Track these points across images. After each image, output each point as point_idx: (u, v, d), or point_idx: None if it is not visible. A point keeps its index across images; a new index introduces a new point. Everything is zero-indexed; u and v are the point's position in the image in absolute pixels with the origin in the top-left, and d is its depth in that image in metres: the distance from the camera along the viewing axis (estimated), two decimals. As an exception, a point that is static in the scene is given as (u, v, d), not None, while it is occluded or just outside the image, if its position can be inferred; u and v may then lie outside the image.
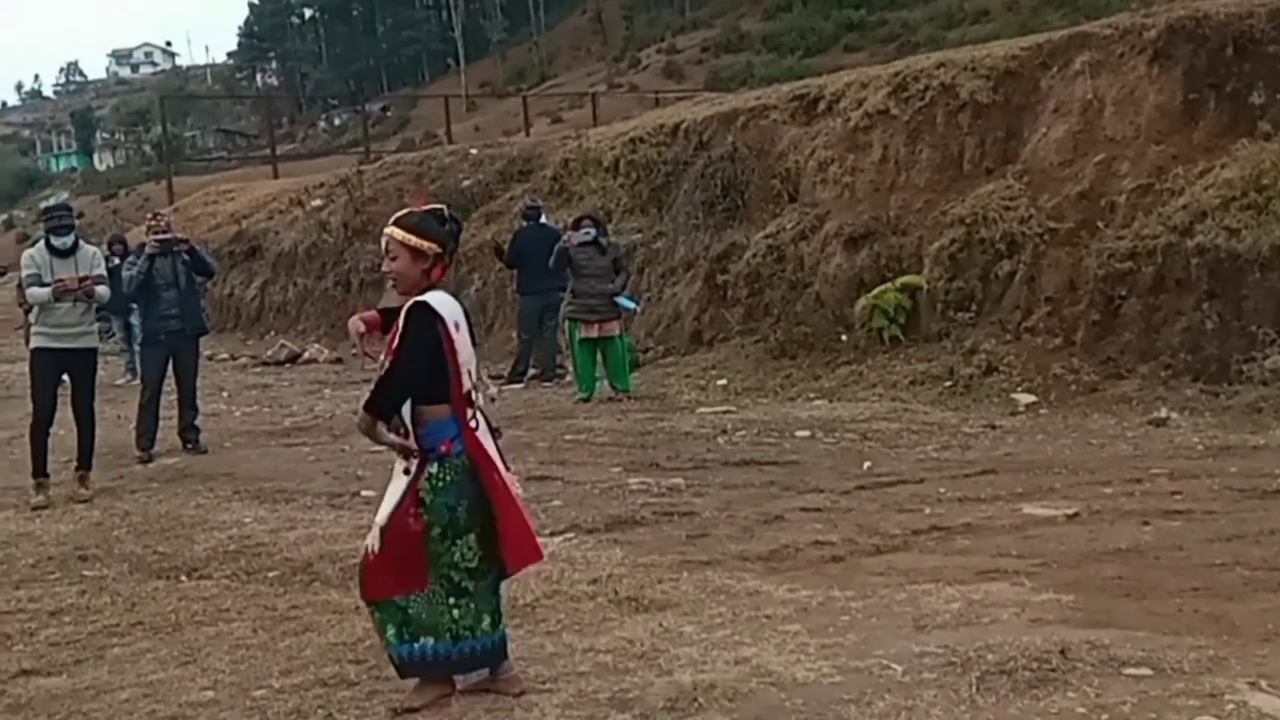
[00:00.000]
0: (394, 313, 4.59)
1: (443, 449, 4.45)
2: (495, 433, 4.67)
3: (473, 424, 4.50)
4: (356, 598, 6.11)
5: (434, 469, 4.45)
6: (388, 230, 4.52)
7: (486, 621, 4.59)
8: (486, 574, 4.58)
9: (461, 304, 4.60)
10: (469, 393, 4.50)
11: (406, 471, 4.50)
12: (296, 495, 8.86)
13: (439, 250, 4.52)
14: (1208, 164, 11.35)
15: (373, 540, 4.54)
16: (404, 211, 4.63)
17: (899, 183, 13.85)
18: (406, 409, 4.47)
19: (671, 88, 48.19)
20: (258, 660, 5.34)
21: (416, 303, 4.43)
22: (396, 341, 4.44)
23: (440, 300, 4.47)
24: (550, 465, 9.23)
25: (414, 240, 4.47)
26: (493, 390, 4.66)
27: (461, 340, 4.48)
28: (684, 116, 17.85)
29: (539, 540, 4.75)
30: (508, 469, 4.64)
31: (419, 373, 4.42)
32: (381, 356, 4.55)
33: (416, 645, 4.53)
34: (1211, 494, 7.45)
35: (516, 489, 4.64)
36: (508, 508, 4.52)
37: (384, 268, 4.58)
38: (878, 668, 4.71)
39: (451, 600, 4.52)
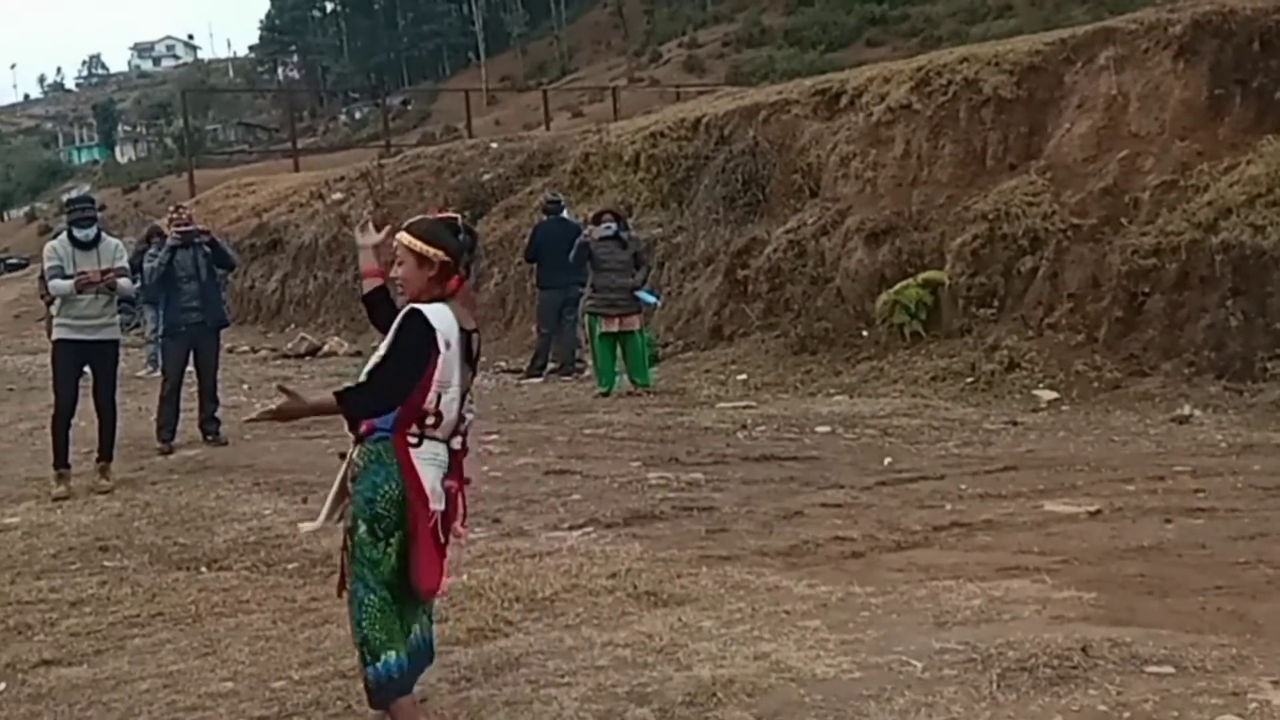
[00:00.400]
0: (383, 296, 4.59)
1: (362, 428, 4.24)
2: (460, 477, 4.44)
3: (412, 439, 4.21)
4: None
5: (355, 453, 4.27)
6: (399, 235, 4.43)
7: (423, 622, 4.48)
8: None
9: (466, 326, 4.34)
10: (426, 413, 4.21)
11: (341, 455, 4.40)
12: (316, 487, 8.84)
13: (446, 260, 4.32)
14: (1233, 160, 11.28)
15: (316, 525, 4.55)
16: (416, 219, 4.52)
17: (921, 178, 13.80)
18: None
19: (693, 82, 48.17)
20: (277, 652, 5.35)
21: (412, 309, 4.24)
22: (386, 347, 4.26)
23: (438, 314, 4.23)
24: (569, 459, 9.22)
25: (419, 246, 4.32)
26: (456, 441, 4.38)
27: (446, 363, 4.22)
28: (705, 111, 17.82)
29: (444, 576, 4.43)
30: (458, 519, 4.45)
31: (406, 385, 4.18)
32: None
33: (379, 663, 4.22)
34: (1235, 492, 7.40)
35: (439, 535, 4.31)
36: (420, 536, 4.22)
37: (391, 273, 4.46)
38: (898, 664, 4.69)
39: (398, 606, 4.29)
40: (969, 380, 11.60)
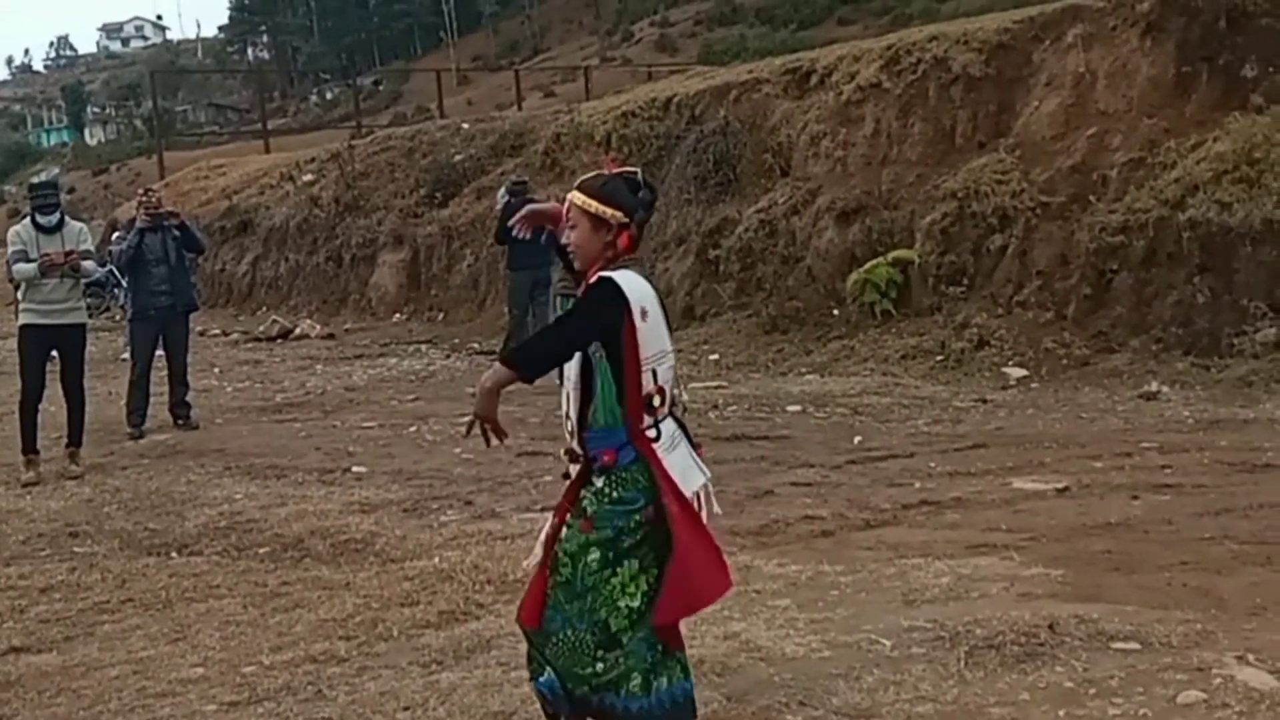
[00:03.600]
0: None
1: (605, 459, 3.72)
2: (694, 447, 3.92)
3: (650, 433, 3.74)
4: (348, 573, 6.18)
5: (599, 483, 3.74)
6: (570, 195, 3.90)
7: (636, 682, 3.74)
8: (645, 620, 3.75)
9: (654, 286, 3.87)
10: (650, 396, 3.73)
11: (566, 476, 3.90)
12: (288, 471, 8.85)
13: (624, 220, 3.83)
14: (1200, 137, 11.33)
15: (534, 555, 3.93)
16: (590, 175, 4.00)
17: (891, 157, 13.82)
18: (573, 408, 3.81)
19: (664, 61, 47.99)
20: (248, 637, 5.35)
21: (602, 278, 3.75)
22: (573, 307, 3.87)
23: (629, 281, 3.74)
24: (541, 441, 9.21)
25: (596, 206, 3.81)
26: (684, 398, 3.97)
27: (648, 331, 3.74)
28: (676, 90, 17.79)
29: (723, 573, 3.88)
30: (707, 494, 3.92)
31: (576, 344, 3.74)
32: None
33: (556, 685, 3.82)
34: (1201, 468, 7.47)
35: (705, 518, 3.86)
36: (689, 542, 3.69)
37: (562, 239, 3.92)
38: (866, 642, 4.72)
39: (600, 652, 3.72)
40: (939, 358, 11.64)
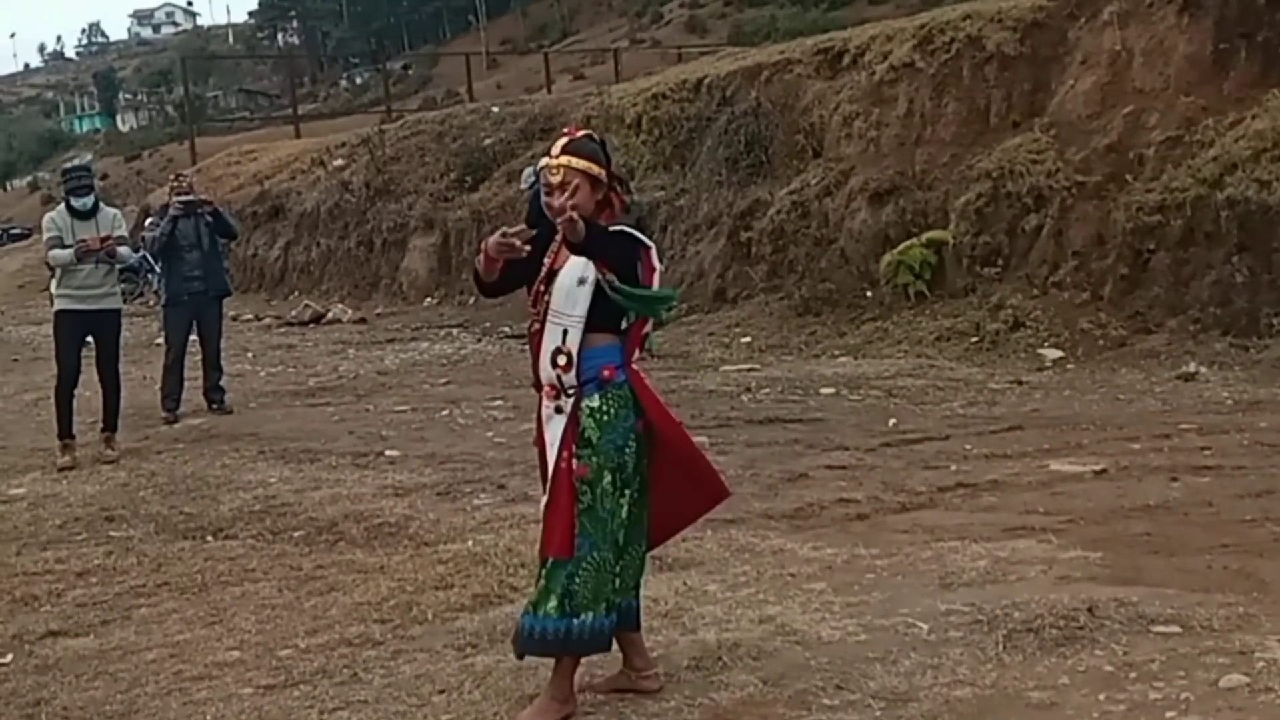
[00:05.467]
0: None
1: (605, 374, 4.00)
2: None
3: (636, 364, 4.13)
4: (382, 557, 6.18)
5: (594, 401, 3.99)
6: (559, 160, 4.01)
7: (645, 574, 4.28)
8: (645, 533, 4.18)
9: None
10: (648, 334, 4.19)
11: (560, 410, 4.05)
12: (321, 455, 8.87)
13: (609, 177, 4.06)
14: (1238, 115, 11.19)
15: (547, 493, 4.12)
16: (568, 139, 4.10)
17: (924, 137, 13.72)
18: (575, 338, 4.00)
19: (694, 43, 47.84)
20: (283, 620, 5.36)
21: (619, 230, 4.02)
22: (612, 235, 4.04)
23: (639, 235, 4.06)
24: (574, 424, 9.23)
25: (584, 165, 4.00)
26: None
27: (658, 279, 4.11)
28: (707, 72, 17.71)
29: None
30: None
31: (615, 260, 3.97)
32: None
33: (576, 620, 4.00)
34: (1241, 449, 7.38)
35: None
36: (684, 447, 4.16)
37: (555, 203, 3.97)
38: (903, 626, 4.68)
39: (618, 567, 4.07)
40: (974, 340, 11.56)
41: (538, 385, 4.14)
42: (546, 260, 4.11)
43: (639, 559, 4.21)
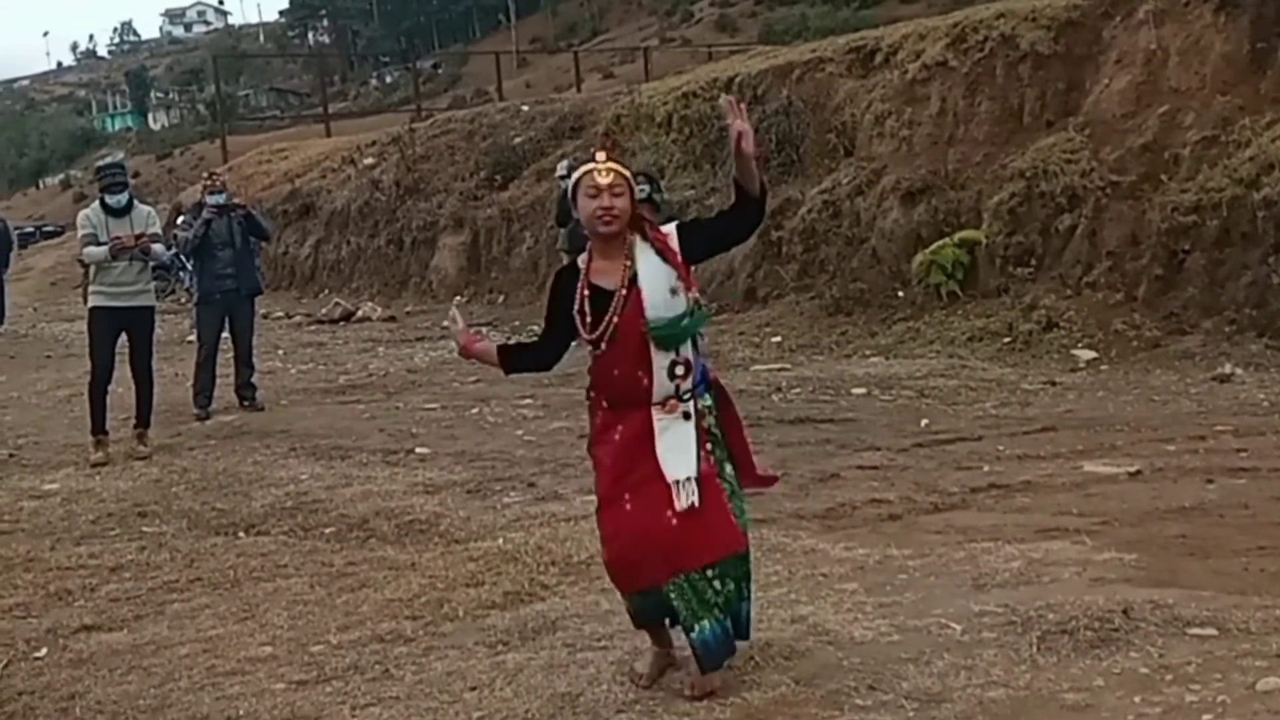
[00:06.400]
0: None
1: (714, 374, 4.40)
2: None
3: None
4: (413, 554, 6.19)
5: (707, 400, 4.26)
6: (611, 165, 4.16)
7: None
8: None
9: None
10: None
11: (687, 416, 4.16)
12: (352, 452, 8.90)
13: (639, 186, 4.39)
14: (1275, 115, 11.11)
15: (689, 497, 4.07)
16: (610, 152, 4.32)
17: (957, 136, 13.66)
18: (687, 346, 4.20)
19: (725, 41, 47.81)
20: (315, 616, 5.37)
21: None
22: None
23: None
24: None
25: (630, 177, 4.22)
26: None
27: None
28: (738, 70, 17.68)
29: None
30: None
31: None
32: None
33: (744, 605, 4.28)
34: (1277, 450, 7.30)
35: None
36: (742, 434, 4.39)
37: (605, 204, 4.12)
38: (936, 627, 4.65)
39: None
40: (1006, 340, 11.50)
41: (625, 403, 4.18)
42: (597, 289, 4.19)
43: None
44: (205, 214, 11.12)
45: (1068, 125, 12.64)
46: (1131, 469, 7.03)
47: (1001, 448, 7.80)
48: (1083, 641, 4.39)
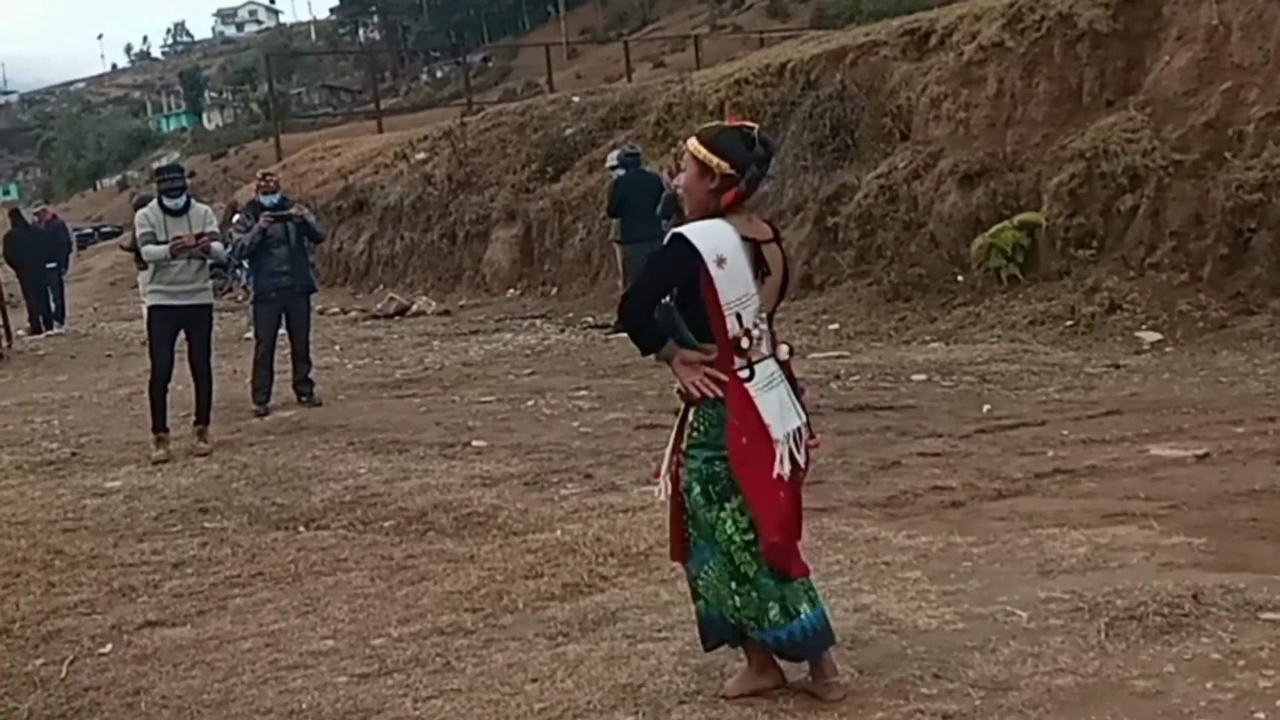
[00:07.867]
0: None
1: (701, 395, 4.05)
2: (798, 392, 4.15)
3: (742, 374, 3.96)
4: (471, 546, 6.19)
5: (692, 416, 4.04)
6: (688, 140, 4.16)
7: (774, 612, 3.99)
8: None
9: (753, 236, 4.07)
10: (737, 339, 3.94)
11: (676, 412, 4.15)
12: (409, 446, 8.92)
13: (730, 172, 3.99)
14: (1342, 88, 10.86)
15: (659, 491, 4.19)
16: (710, 124, 4.27)
17: (1015, 117, 13.48)
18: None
19: (776, 27, 47.51)
20: (376, 609, 5.38)
21: (675, 234, 4.02)
22: (644, 266, 4.27)
23: (703, 231, 3.98)
24: (659, 414, 9.15)
25: (703, 154, 4.01)
26: (783, 351, 4.15)
27: (726, 278, 3.92)
28: (790, 56, 17.57)
29: (793, 538, 4.05)
30: (810, 436, 4.12)
31: (648, 297, 4.04)
32: None
33: (715, 612, 4.12)
34: (1350, 431, 7.15)
35: (782, 467, 3.96)
36: (750, 484, 3.94)
37: (676, 180, 4.33)
38: (1002, 614, 4.59)
39: (733, 585, 4.02)
40: (1068, 323, 11.35)
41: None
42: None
43: (772, 580, 4.15)
44: (261, 222, 11.15)
45: (1128, 104, 12.44)
46: (1199, 452, 6.91)
47: (1066, 432, 7.69)
48: (1152, 627, 4.32)
